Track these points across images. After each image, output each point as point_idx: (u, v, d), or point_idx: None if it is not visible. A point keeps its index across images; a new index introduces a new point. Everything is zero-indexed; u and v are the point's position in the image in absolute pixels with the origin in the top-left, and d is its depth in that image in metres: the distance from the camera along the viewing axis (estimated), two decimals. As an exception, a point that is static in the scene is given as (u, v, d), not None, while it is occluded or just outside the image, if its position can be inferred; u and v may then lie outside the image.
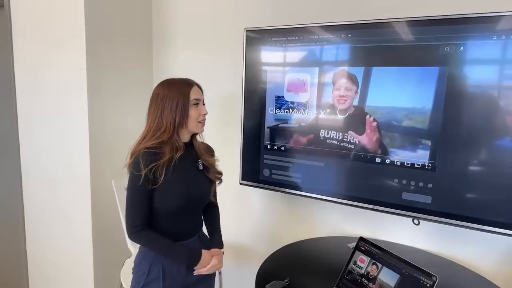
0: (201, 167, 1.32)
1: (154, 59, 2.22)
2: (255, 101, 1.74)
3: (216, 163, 1.40)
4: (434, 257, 1.55)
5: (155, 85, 1.28)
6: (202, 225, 1.39)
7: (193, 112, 1.23)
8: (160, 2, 2.15)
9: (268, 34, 1.65)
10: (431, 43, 1.33)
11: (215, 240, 1.37)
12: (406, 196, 1.45)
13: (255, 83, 1.72)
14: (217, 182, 1.40)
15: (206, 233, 1.41)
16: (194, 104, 1.24)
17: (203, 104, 1.29)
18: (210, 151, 1.40)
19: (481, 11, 1.27)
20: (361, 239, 1.27)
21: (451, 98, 1.31)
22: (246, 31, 1.70)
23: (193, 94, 1.24)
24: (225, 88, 1.99)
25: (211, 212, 1.44)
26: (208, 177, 1.34)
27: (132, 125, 1.96)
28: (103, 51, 1.90)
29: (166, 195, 1.20)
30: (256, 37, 1.69)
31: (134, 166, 1.17)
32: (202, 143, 1.38)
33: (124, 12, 2.00)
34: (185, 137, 1.28)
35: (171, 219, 1.24)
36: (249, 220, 2.05)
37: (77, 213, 1.97)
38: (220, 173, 1.39)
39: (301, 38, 1.58)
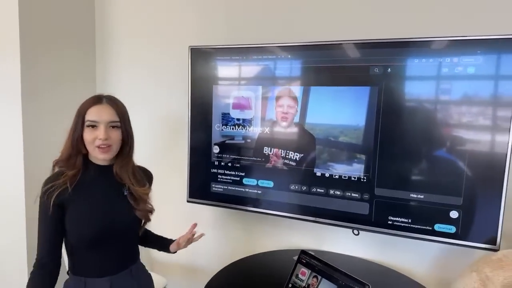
0: (126, 193, 1.15)
1: (97, 74, 2.16)
2: (201, 118, 1.74)
3: (150, 194, 1.21)
4: (373, 265, 1.64)
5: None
6: (135, 259, 1.23)
7: (86, 135, 1.08)
8: (103, 14, 2.11)
9: (213, 53, 1.68)
10: (362, 64, 1.44)
11: (167, 239, 1.34)
12: (345, 207, 1.52)
13: (201, 100, 1.74)
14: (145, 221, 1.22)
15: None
16: (89, 126, 1.07)
17: (113, 127, 1.10)
18: (147, 176, 1.24)
19: (406, 36, 1.39)
20: (303, 252, 1.31)
21: (381, 116, 1.42)
22: (191, 49, 1.72)
23: (91, 114, 1.08)
24: (172, 105, 1.98)
25: (146, 234, 1.33)
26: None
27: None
28: (41, 64, 1.81)
29: (74, 224, 1.08)
30: (201, 55, 1.71)
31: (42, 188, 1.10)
32: (139, 167, 1.23)
33: (65, 24, 1.94)
34: (97, 158, 1.13)
35: (89, 251, 1.10)
36: (199, 237, 2.03)
37: (10, 244, 1.82)
38: (150, 211, 1.20)
39: (244, 57, 1.63)
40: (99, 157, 1.10)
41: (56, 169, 1.13)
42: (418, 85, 1.37)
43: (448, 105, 1.34)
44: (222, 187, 1.74)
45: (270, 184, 1.65)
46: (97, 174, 1.13)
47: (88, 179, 1.11)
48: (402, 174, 1.42)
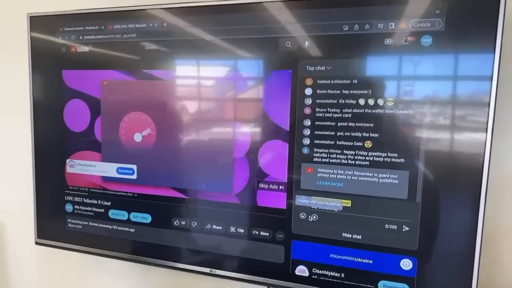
0: None
1: None
2: (50, 114, 1.17)
3: None
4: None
5: None
6: None
7: None
8: None
9: (60, 22, 1.13)
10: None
11: None
12: (252, 253, 1.01)
13: (47, 89, 1.17)
14: None
15: None
16: None
17: None
18: None
19: None
20: None
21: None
22: (30, 17, 1.15)
23: None
24: (10, 99, 1.39)
25: None
26: None
27: None
28: None
29: None
30: (44, 26, 1.15)
31: None
32: None
33: None
34: None
35: None
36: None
37: None
38: None
39: (102, 27, 1.09)
40: None
41: None
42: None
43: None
44: (81, 222, 1.17)
45: (147, 218, 1.11)
46: None
47: None
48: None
